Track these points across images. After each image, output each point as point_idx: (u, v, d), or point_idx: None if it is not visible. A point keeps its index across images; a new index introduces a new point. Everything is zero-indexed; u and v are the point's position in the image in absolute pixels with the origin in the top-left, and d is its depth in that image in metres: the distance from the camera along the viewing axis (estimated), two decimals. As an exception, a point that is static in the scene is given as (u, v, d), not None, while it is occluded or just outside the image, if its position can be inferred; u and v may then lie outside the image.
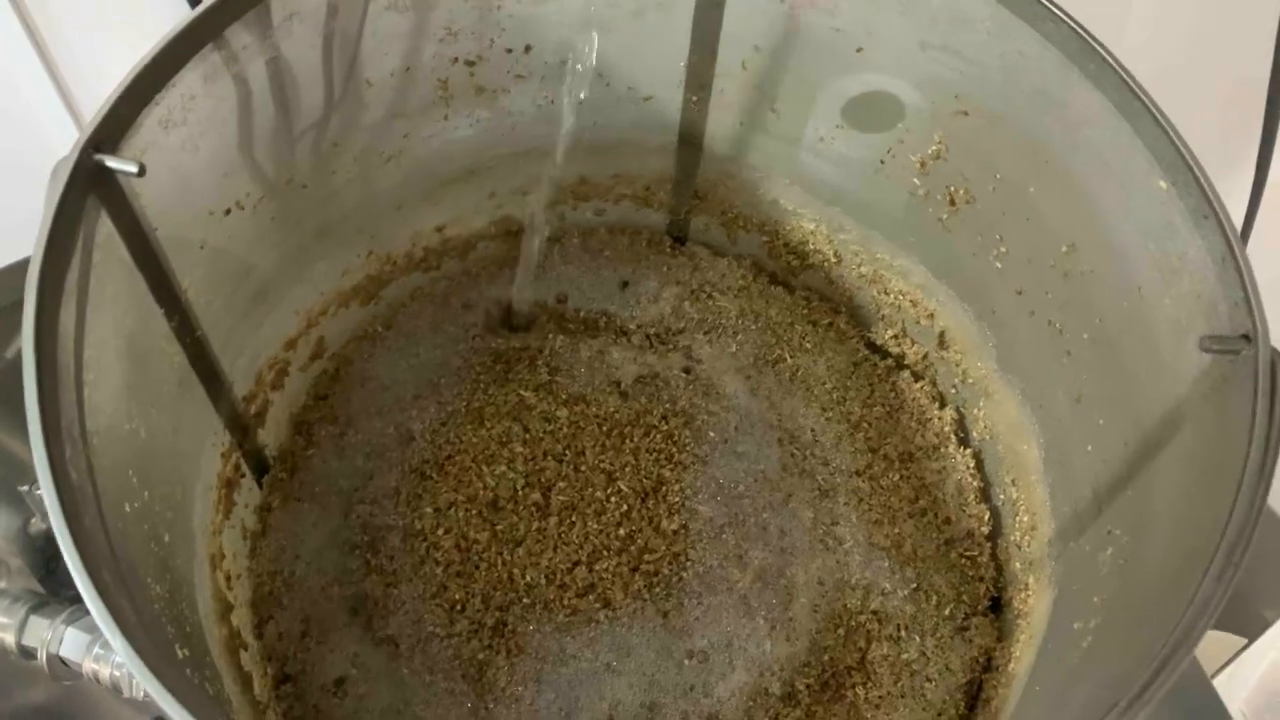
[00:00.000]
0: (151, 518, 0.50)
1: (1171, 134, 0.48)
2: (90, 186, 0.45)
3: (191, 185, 0.53)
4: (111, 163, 0.44)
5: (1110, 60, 0.50)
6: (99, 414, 0.45)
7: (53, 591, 0.76)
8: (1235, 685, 1.26)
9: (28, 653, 0.67)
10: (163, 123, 0.49)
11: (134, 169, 0.44)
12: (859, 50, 0.61)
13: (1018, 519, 0.66)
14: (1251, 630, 1.24)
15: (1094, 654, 0.48)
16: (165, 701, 0.33)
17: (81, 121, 0.82)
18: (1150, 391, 0.51)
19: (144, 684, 0.34)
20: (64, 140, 0.81)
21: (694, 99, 0.69)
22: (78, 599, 0.72)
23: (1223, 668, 1.26)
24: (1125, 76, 0.49)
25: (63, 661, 0.75)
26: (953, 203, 0.64)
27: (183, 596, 0.52)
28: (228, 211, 0.57)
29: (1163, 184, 0.49)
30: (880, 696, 0.64)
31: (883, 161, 0.67)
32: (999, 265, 0.63)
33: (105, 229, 0.46)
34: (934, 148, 0.63)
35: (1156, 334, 0.51)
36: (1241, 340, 0.43)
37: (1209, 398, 0.46)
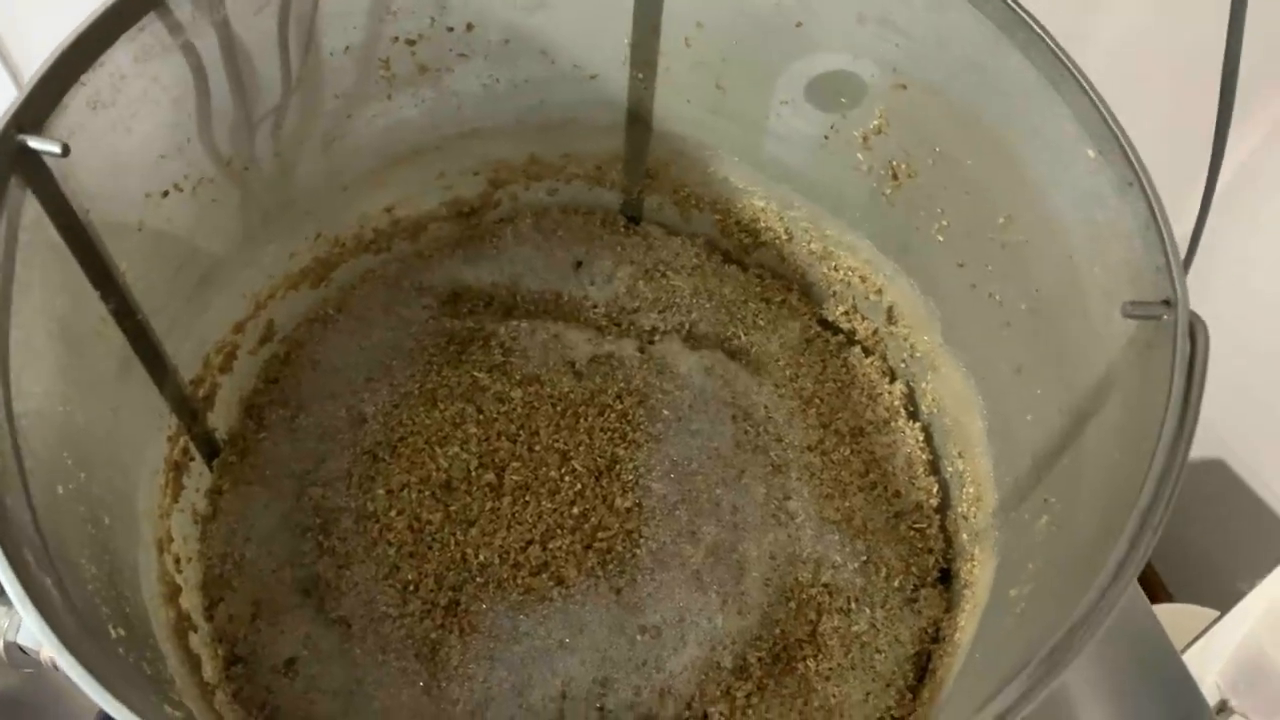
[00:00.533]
0: (89, 500, 0.50)
1: (1098, 103, 0.48)
2: (13, 167, 0.44)
3: (125, 167, 0.53)
4: (34, 143, 0.44)
5: (1038, 30, 0.50)
6: (27, 398, 0.45)
7: (9, 580, 0.76)
8: (1209, 658, 1.27)
9: (-15, 642, 0.67)
10: (91, 103, 0.49)
11: (57, 150, 0.44)
12: (798, 25, 0.61)
13: (964, 490, 0.66)
14: (1224, 603, 1.25)
15: (1025, 619, 0.49)
16: (74, 671, 0.33)
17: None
18: (1083, 359, 0.52)
19: (55, 655, 0.34)
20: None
21: (640, 77, 0.69)
22: (34, 587, 0.72)
23: (1195, 640, 1.28)
24: (1053, 46, 0.50)
25: (20, 649, 0.75)
26: (895, 177, 0.65)
27: (123, 579, 0.52)
28: (165, 194, 0.56)
29: (1091, 152, 0.49)
30: (830, 668, 0.65)
31: (826, 137, 0.67)
32: (941, 239, 0.63)
33: (32, 210, 0.46)
34: (875, 122, 0.63)
35: (1088, 302, 0.51)
36: (1162, 305, 0.44)
37: (1135, 364, 0.47)
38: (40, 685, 0.87)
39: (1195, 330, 0.43)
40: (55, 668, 0.74)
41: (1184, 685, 0.94)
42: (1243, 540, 1.47)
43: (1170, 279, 0.44)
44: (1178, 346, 0.42)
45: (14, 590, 0.35)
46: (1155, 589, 1.60)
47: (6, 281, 0.44)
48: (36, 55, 0.77)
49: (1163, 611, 1.29)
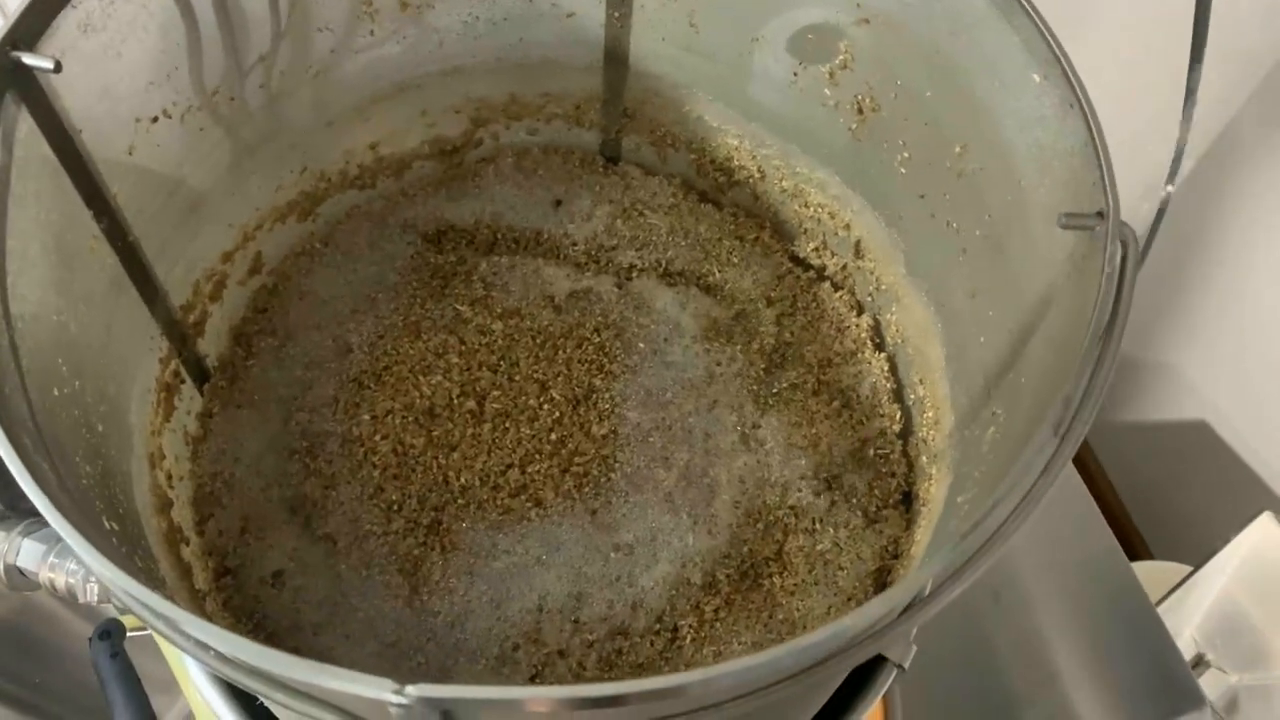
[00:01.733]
0: (83, 406, 0.52)
1: (1042, 27, 0.50)
2: (9, 83, 0.47)
3: (115, 91, 0.55)
4: (28, 59, 0.47)
5: (988, -41, 0.52)
6: (23, 301, 0.47)
7: (9, 505, 0.79)
8: (1186, 612, 1.30)
9: (-15, 566, 0.70)
10: (81, 26, 0.51)
11: (49, 65, 0.46)
12: (767, -38, 0.63)
13: (924, 415, 0.69)
14: (1200, 559, 1.28)
15: (966, 520, 0.52)
16: (71, 537, 0.36)
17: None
18: (1028, 278, 0.54)
19: (56, 527, 0.36)
20: None
21: (615, 15, 0.71)
22: (34, 512, 0.75)
23: (1169, 595, 1.31)
24: (1001, -25, 0.52)
25: (20, 572, 0.78)
26: (860, 112, 0.67)
27: (115, 483, 0.54)
28: (155, 120, 0.59)
29: (1036, 76, 0.51)
30: (795, 584, 0.68)
31: (795, 75, 0.69)
32: (903, 171, 0.66)
33: (26, 125, 0.48)
34: (840, 58, 0.65)
35: (1033, 222, 0.54)
36: (1095, 217, 0.46)
37: (1071, 277, 0.49)
38: (38, 609, 0.90)
39: (1126, 237, 0.45)
40: (53, 589, 0.77)
41: (1159, 637, 0.97)
42: (1219, 498, 1.49)
43: (1104, 191, 0.46)
44: (1106, 249, 0.44)
45: (13, 463, 0.37)
46: (1134, 546, 1.63)
47: (2, 191, 0.46)
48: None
49: (1140, 568, 1.32)
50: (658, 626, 0.67)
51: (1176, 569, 1.37)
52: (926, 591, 0.41)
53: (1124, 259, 0.45)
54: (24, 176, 0.48)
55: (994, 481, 0.51)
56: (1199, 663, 1.26)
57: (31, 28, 0.48)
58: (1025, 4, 0.51)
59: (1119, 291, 0.44)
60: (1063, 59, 0.49)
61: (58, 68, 0.47)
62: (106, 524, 0.48)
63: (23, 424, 0.42)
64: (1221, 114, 1.18)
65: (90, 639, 0.74)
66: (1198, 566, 1.27)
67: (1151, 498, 1.61)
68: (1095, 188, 0.47)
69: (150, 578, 0.53)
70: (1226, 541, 1.23)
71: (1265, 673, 1.23)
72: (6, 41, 0.46)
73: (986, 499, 0.50)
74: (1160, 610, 1.04)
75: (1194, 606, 1.27)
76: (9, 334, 0.44)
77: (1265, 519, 1.21)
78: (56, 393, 0.49)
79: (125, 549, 0.49)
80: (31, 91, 0.48)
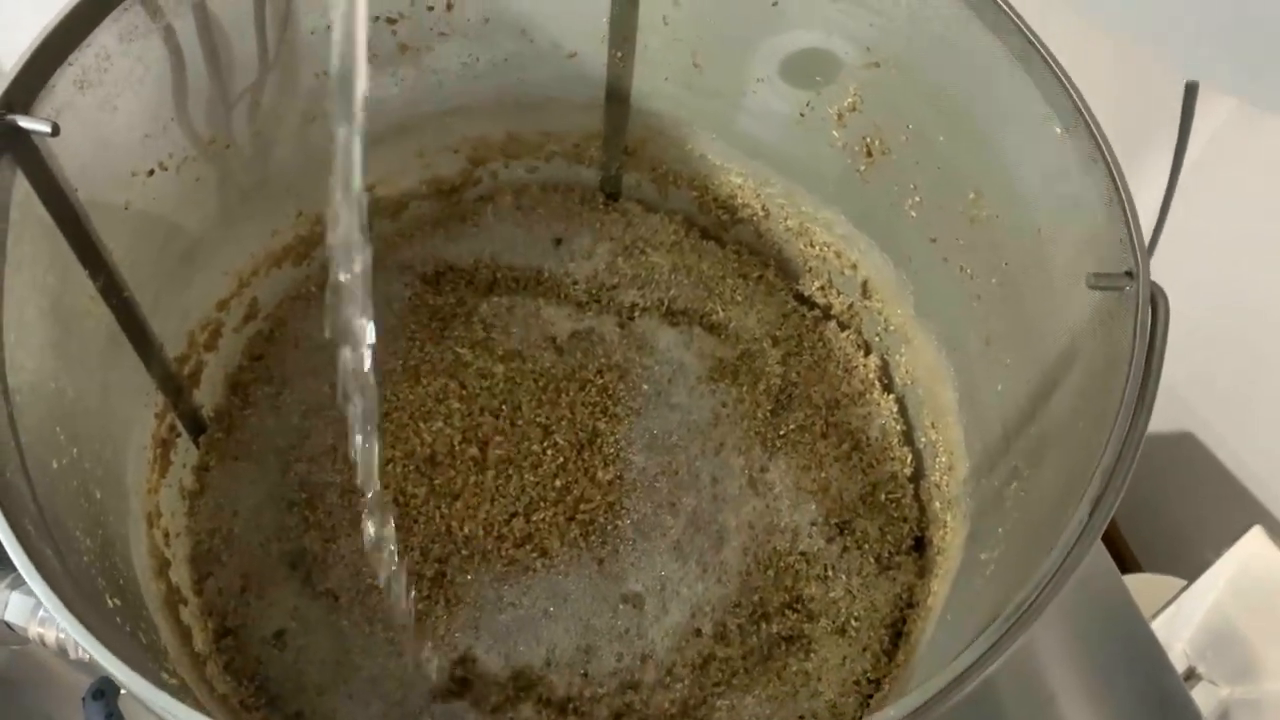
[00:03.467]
0: (81, 474, 0.51)
1: (1064, 80, 0.49)
2: (4, 146, 0.45)
3: (111, 146, 0.53)
4: (24, 123, 0.45)
5: (1006, 9, 0.51)
6: (21, 371, 0.46)
7: (-5, 558, 0.77)
8: (1177, 626, 1.30)
9: (-26, 620, 0.68)
10: (78, 83, 0.49)
11: (47, 129, 0.45)
12: (774, 4, 0.62)
13: (937, 460, 0.68)
14: (1193, 573, 1.28)
15: (994, 580, 0.51)
16: (84, 638, 0.34)
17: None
18: (1049, 330, 0.53)
19: (61, 622, 0.35)
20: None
21: (618, 55, 0.70)
22: (20, 564, 0.73)
23: (1163, 609, 1.31)
24: (1021, 25, 0.51)
25: (9, 626, 0.75)
26: (869, 154, 0.66)
27: (115, 551, 0.53)
28: (151, 172, 0.57)
29: (1057, 129, 0.51)
30: (809, 634, 0.67)
31: (802, 114, 0.68)
32: (913, 214, 0.65)
33: (22, 189, 0.47)
34: (849, 100, 0.65)
35: (1054, 274, 0.53)
36: (1125, 277, 0.46)
37: (1097, 333, 0.48)
38: (26, 663, 0.87)
39: (1156, 300, 0.44)
40: (43, 644, 0.75)
41: (1153, 653, 0.97)
42: (1210, 511, 1.50)
43: (1132, 251, 0.46)
44: (1139, 316, 0.43)
45: (19, 558, 0.36)
46: (1125, 559, 1.63)
47: (-1, 257, 0.44)
48: (4, 35, 0.78)
49: (1132, 581, 1.32)
50: (668, 679, 0.65)
51: (1168, 581, 1.37)
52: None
53: (1154, 321, 0.44)
54: (19, 240, 0.47)
55: (1021, 541, 0.50)
56: (1190, 676, 1.26)
57: (27, 88, 0.46)
58: (1045, 55, 0.50)
59: (1150, 354, 0.43)
60: (1086, 112, 0.49)
61: (55, 131, 0.45)
62: (110, 602, 0.46)
63: (25, 508, 0.40)
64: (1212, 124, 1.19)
65: (84, 699, 0.71)
66: (1190, 579, 1.27)
67: (1141, 510, 1.61)
68: (1122, 245, 0.46)
69: (153, 649, 0.52)
70: (1218, 554, 1.23)
71: (1256, 686, 1.23)
72: (2, 104, 0.44)
73: (1014, 561, 0.49)
74: (1154, 625, 1.04)
75: (1185, 620, 1.27)
76: (8, 409, 0.43)
77: (1256, 532, 1.21)
78: (55, 465, 0.47)
79: (129, 626, 0.47)
80: (28, 154, 0.46)
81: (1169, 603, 1.33)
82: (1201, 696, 1.25)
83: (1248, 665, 1.24)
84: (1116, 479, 0.41)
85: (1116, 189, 0.47)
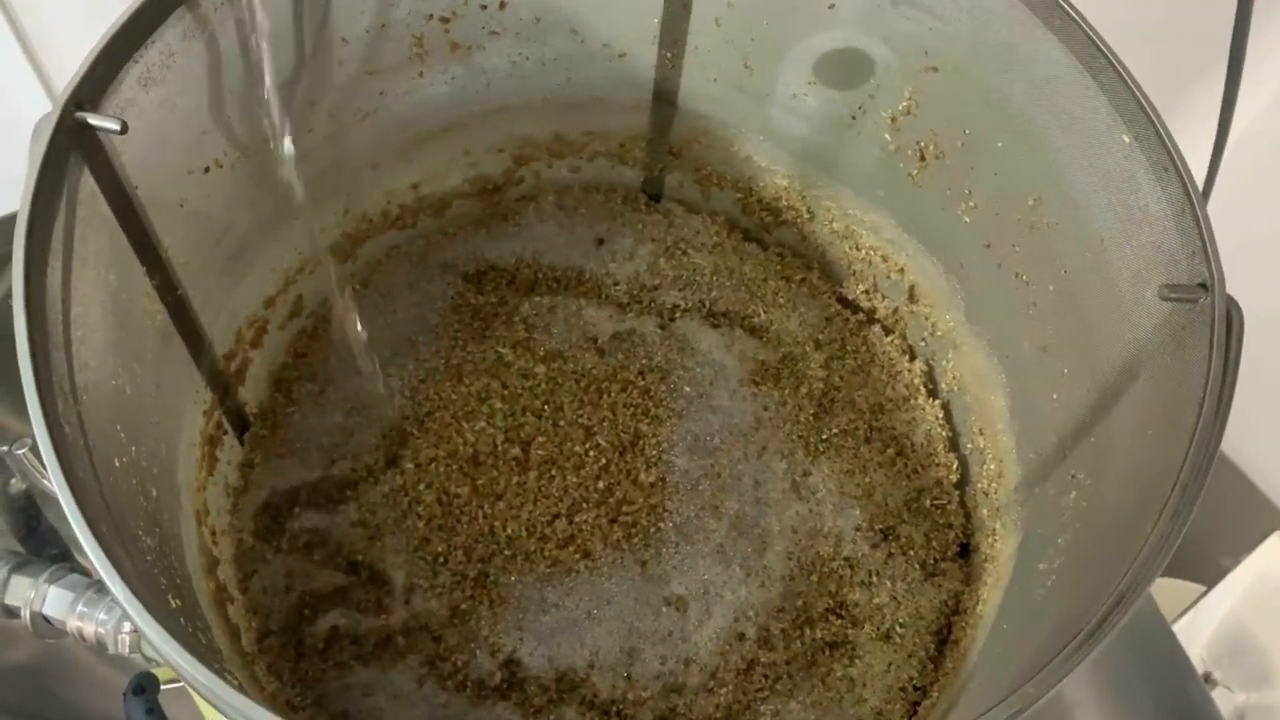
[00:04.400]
0: (139, 472, 0.51)
1: (1134, 88, 0.49)
2: (73, 144, 0.45)
3: (170, 143, 0.53)
4: (94, 120, 0.45)
5: (1074, 15, 0.51)
6: (86, 370, 0.45)
7: (34, 551, 0.77)
8: (1195, 631, 1.30)
9: (10, 612, 0.68)
10: (142, 80, 0.49)
11: (116, 127, 0.45)
12: (831, 6, 0.62)
13: (985, 467, 0.68)
14: (1209, 578, 1.28)
15: (1056, 592, 0.50)
16: (169, 647, 0.34)
17: (47, 81, 0.81)
18: (1111, 340, 0.53)
19: (147, 632, 0.35)
20: (29, 101, 0.80)
21: (668, 56, 0.69)
22: (59, 558, 0.73)
23: (1182, 614, 1.30)
24: (1089, 31, 0.50)
25: (46, 620, 0.75)
26: (923, 158, 0.65)
27: (171, 550, 0.53)
28: (206, 170, 0.57)
29: (1125, 138, 0.50)
30: (853, 640, 0.66)
31: (854, 118, 0.68)
32: (968, 219, 0.65)
33: (88, 186, 0.47)
34: (904, 104, 0.64)
35: (1118, 284, 0.52)
36: (1199, 289, 0.45)
37: (1167, 345, 0.48)
38: (61, 656, 0.87)
39: (1231, 314, 0.44)
40: (80, 638, 0.75)
41: (1176, 660, 0.96)
42: (1228, 517, 1.49)
43: (1207, 262, 0.45)
44: (1215, 328, 0.43)
45: (99, 560, 0.36)
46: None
47: (68, 255, 0.44)
48: (51, 35, 0.78)
49: (1152, 586, 1.32)
50: (712, 684, 0.65)
51: (1186, 587, 1.36)
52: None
53: (1228, 335, 0.44)
54: (84, 238, 0.46)
55: (1085, 554, 0.50)
56: (1206, 681, 1.26)
57: (95, 85, 0.46)
58: (1114, 61, 0.50)
59: (1224, 369, 0.43)
60: (1157, 120, 0.48)
61: (124, 128, 0.45)
62: (172, 602, 0.46)
63: (98, 508, 0.40)
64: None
65: (124, 694, 0.71)
66: (1208, 586, 1.27)
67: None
68: (1195, 257, 0.46)
69: (210, 648, 0.51)
70: (1236, 561, 1.23)
71: (1272, 692, 1.22)
72: (72, 101, 0.44)
73: (1078, 573, 0.49)
74: (1175, 629, 1.04)
75: (1202, 626, 1.27)
76: (76, 409, 0.42)
77: (1274, 540, 1.21)
78: (118, 463, 0.47)
79: (190, 626, 0.47)
80: (94, 151, 0.46)
81: (1187, 609, 1.32)
82: (1218, 702, 1.24)
83: (1264, 671, 1.23)
84: (1191, 493, 0.41)
85: (1189, 199, 0.46)
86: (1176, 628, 1.28)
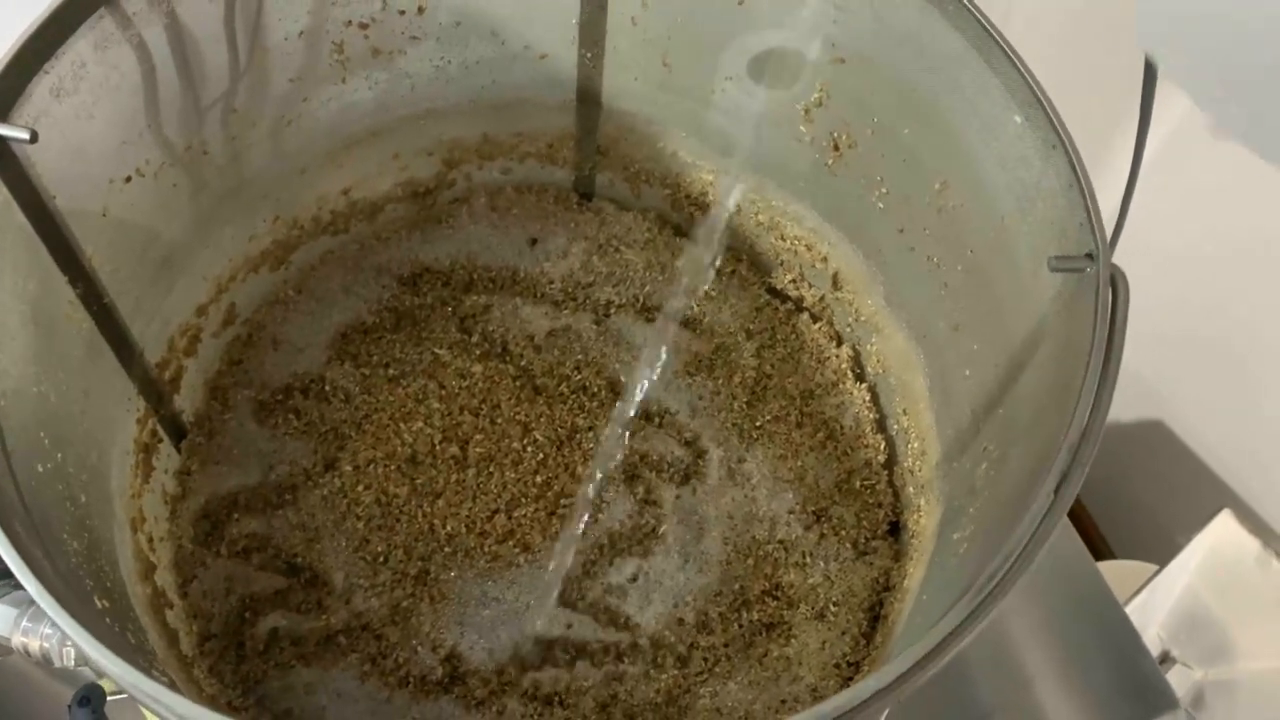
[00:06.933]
0: (66, 479, 0.51)
1: (1023, 70, 0.51)
2: (-17, 154, 0.46)
3: (88, 153, 0.54)
4: (3, 130, 0.45)
5: (966, 3, 0.53)
6: (5, 377, 0.46)
7: (-23, 569, 0.76)
8: (1150, 610, 1.32)
9: (-45, 631, 0.68)
10: (54, 91, 0.50)
11: (25, 136, 0.45)
12: (740, 2, 0.64)
13: (910, 446, 0.70)
14: (1163, 557, 1.30)
15: (966, 559, 0.52)
16: (80, 637, 0.35)
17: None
18: (1015, 315, 0.55)
19: (58, 621, 0.35)
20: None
21: (588, 56, 0.71)
22: (1, 575, 0.73)
23: (1136, 594, 1.33)
24: (979, 17, 0.52)
25: (-9, 637, 0.75)
26: (836, 148, 0.67)
27: (101, 554, 0.53)
28: (128, 179, 0.57)
29: (1017, 118, 0.52)
30: (789, 620, 0.68)
31: (770, 111, 0.69)
32: (881, 206, 0.66)
33: (0, 196, 0.47)
34: (816, 95, 0.66)
35: (1018, 260, 0.54)
36: (1085, 259, 0.47)
37: (1061, 315, 0.50)
38: (8, 674, 0.87)
39: (1116, 281, 0.46)
40: (26, 654, 0.75)
41: (1128, 638, 0.98)
42: (1180, 496, 1.52)
43: (1092, 233, 0.47)
44: (1100, 296, 0.45)
45: (10, 558, 0.36)
46: (1097, 546, 1.65)
47: (-20, 266, 0.45)
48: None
49: (1105, 568, 1.34)
50: (652, 669, 0.66)
51: (1140, 567, 1.39)
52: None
53: (1114, 301, 0.46)
54: (0, 248, 0.47)
55: (990, 519, 0.52)
56: (1164, 659, 1.28)
57: (4, 96, 0.46)
58: (1004, 46, 0.52)
59: (1111, 333, 0.45)
60: (1044, 100, 0.50)
61: (34, 138, 0.45)
62: (98, 603, 0.47)
63: (13, 509, 0.41)
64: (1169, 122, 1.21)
65: (69, 706, 0.71)
66: (1161, 564, 1.29)
67: (1112, 497, 1.63)
68: (1083, 229, 0.48)
69: (141, 649, 0.52)
70: (1188, 539, 1.25)
71: (1229, 667, 1.25)
72: (-20, 113, 0.45)
73: (984, 539, 0.50)
74: (1127, 610, 1.05)
75: (1158, 604, 1.29)
76: (-7, 414, 0.43)
77: (1225, 516, 1.23)
78: (41, 469, 0.48)
79: (118, 626, 0.48)
80: (5, 161, 0.47)
81: (1141, 588, 1.35)
82: (1176, 679, 1.27)
83: (1221, 647, 1.26)
84: (1082, 455, 0.43)
85: (1075, 173, 0.48)
86: (1131, 608, 1.30)
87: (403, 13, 0.66)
